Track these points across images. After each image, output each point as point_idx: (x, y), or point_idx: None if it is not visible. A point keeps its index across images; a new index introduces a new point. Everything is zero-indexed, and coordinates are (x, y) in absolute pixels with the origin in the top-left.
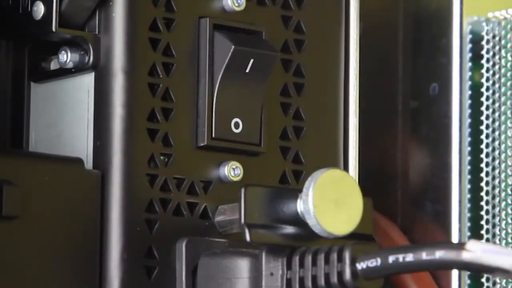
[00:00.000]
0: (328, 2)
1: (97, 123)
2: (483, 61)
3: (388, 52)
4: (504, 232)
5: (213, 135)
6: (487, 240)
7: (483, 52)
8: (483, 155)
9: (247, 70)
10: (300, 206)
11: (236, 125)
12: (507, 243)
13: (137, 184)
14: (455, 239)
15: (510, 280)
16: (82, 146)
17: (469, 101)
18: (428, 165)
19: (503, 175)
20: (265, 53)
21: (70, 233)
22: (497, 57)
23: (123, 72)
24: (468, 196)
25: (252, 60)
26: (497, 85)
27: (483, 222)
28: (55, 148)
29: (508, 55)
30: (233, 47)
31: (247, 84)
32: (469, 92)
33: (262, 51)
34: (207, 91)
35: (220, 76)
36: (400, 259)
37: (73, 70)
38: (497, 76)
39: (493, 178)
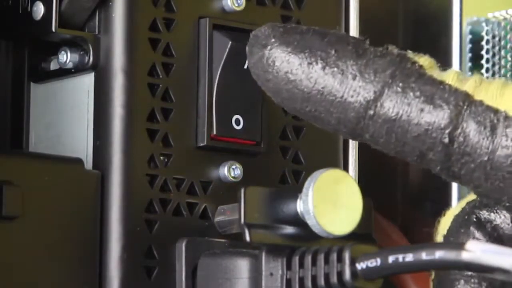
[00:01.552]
0: (328, 2)
1: (97, 123)
2: (483, 61)
3: None
4: None
5: (214, 132)
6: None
7: (483, 52)
8: None
9: (246, 66)
10: (299, 206)
11: (237, 122)
12: None
13: (137, 184)
14: None
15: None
16: (82, 146)
17: None
18: None
19: None
20: None
21: (70, 233)
22: (496, 57)
23: (123, 72)
24: None
25: None
26: None
27: None
28: (55, 148)
29: (508, 55)
30: (230, 42)
31: (246, 80)
32: None
33: None
34: (207, 91)
35: (218, 73)
36: (400, 259)
37: (73, 70)
38: (496, 76)
39: None
